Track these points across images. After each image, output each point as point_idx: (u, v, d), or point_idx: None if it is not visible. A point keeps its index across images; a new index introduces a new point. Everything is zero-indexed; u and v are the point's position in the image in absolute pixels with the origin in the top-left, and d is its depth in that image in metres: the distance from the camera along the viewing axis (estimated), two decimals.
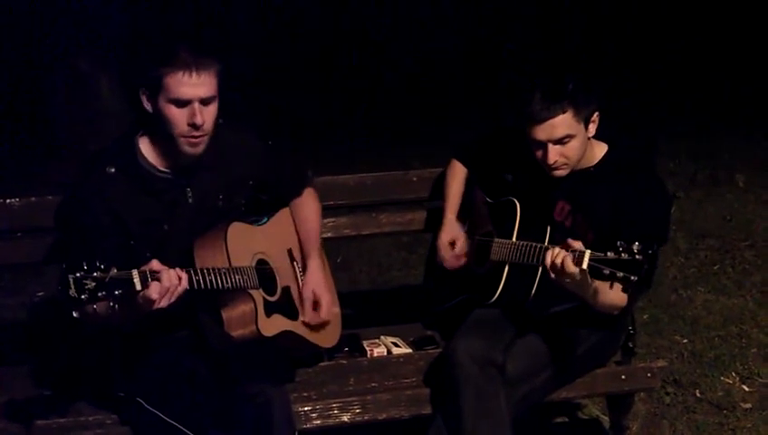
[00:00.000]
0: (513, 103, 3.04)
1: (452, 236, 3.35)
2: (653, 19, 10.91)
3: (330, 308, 3.17)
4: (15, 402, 3.04)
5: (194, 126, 2.70)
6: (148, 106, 2.73)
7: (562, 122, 2.92)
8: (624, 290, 2.61)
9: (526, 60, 9.04)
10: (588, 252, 2.65)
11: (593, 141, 3.05)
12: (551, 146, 2.95)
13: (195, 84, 2.67)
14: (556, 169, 3.00)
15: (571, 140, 2.95)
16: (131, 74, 2.68)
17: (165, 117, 2.70)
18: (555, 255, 2.71)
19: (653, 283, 2.75)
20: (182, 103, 2.68)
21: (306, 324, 3.10)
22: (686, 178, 6.82)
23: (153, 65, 2.69)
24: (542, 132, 2.94)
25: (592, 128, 3.00)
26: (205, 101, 2.70)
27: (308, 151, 5.19)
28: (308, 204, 3.25)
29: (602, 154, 3.08)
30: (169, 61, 2.68)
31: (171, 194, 2.83)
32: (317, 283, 3.16)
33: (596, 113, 2.99)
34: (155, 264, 2.55)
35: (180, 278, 2.59)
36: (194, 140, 2.73)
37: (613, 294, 2.76)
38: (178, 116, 2.69)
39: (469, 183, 3.44)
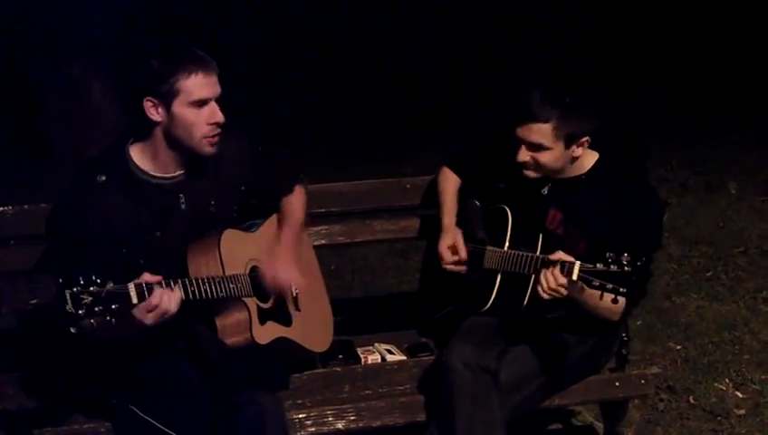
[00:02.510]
0: (511, 96, 3.06)
1: (452, 240, 3.33)
2: (644, 25, 10.94)
3: (296, 280, 3.05)
4: (9, 411, 3.03)
5: (217, 124, 2.73)
6: (156, 115, 2.71)
7: (539, 131, 2.94)
8: (613, 301, 2.62)
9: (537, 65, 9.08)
10: (578, 263, 2.66)
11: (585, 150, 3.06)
12: (523, 147, 2.98)
13: (212, 83, 2.71)
14: (525, 168, 3.03)
15: (544, 151, 2.97)
16: (135, 86, 2.65)
17: (184, 121, 2.71)
18: (548, 277, 2.73)
19: (647, 291, 2.77)
20: (202, 104, 2.70)
21: (299, 330, 3.09)
22: (678, 184, 6.83)
23: (166, 72, 2.67)
24: (520, 131, 2.98)
25: (578, 150, 3.00)
26: (218, 100, 2.74)
27: (300, 156, 5.19)
28: (295, 196, 3.23)
29: (593, 162, 3.09)
30: (184, 64, 2.68)
31: (164, 201, 2.83)
32: (281, 251, 3.07)
33: (586, 138, 2.99)
34: (149, 276, 2.55)
35: (175, 289, 2.59)
36: (214, 139, 2.75)
37: (609, 302, 2.76)
38: (199, 118, 2.71)
39: (461, 191, 3.44)
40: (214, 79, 2.72)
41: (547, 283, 2.73)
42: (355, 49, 10.49)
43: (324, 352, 3.26)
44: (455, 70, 10.30)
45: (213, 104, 2.73)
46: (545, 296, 2.77)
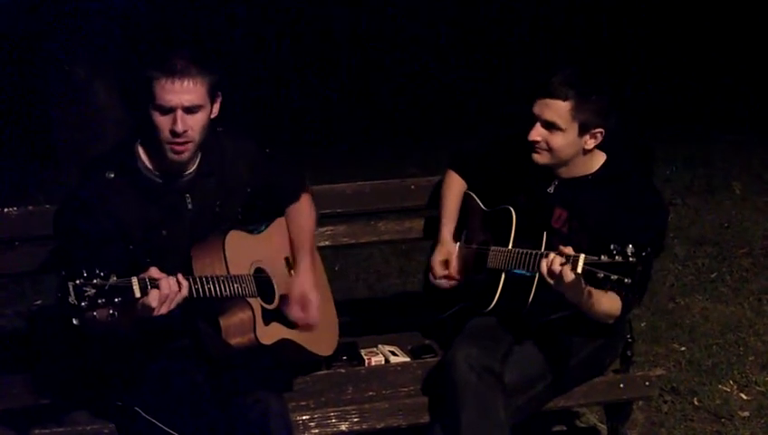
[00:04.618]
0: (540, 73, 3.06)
1: (445, 255, 3.35)
2: (646, 26, 10.92)
3: (316, 309, 3.10)
4: (13, 411, 3.04)
5: (173, 133, 2.70)
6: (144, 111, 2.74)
7: (556, 108, 2.94)
8: (618, 293, 2.62)
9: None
10: (582, 256, 2.65)
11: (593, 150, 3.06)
12: (538, 124, 2.98)
13: (178, 91, 2.67)
14: (534, 151, 3.02)
15: (557, 132, 2.96)
16: (127, 80, 2.68)
17: (152, 123, 2.71)
18: (551, 261, 2.72)
19: (645, 293, 2.76)
20: (165, 110, 2.69)
21: (303, 332, 3.09)
22: (683, 185, 6.83)
23: (144, 71, 2.70)
24: (537, 106, 2.98)
25: (590, 141, 3.00)
26: (188, 110, 2.70)
27: (304, 156, 5.20)
28: (303, 208, 3.24)
29: (600, 163, 3.09)
30: (157, 67, 2.68)
31: (171, 200, 2.85)
32: (305, 282, 3.11)
33: (600, 130, 2.98)
34: (153, 271, 2.56)
35: (179, 285, 2.60)
36: (177, 147, 2.73)
37: (608, 302, 2.76)
38: (162, 123, 2.70)
39: (465, 193, 3.44)
40: (185, 87, 2.68)
41: (549, 265, 2.72)
42: (357, 49, 10.50)
43: (329, 354, 3.26)
44: (457, 70, 10.30)
45: (178, 113, 2.69)
46: (549, 281, 2.75)
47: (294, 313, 3.06)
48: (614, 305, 2.82)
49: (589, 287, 2.76)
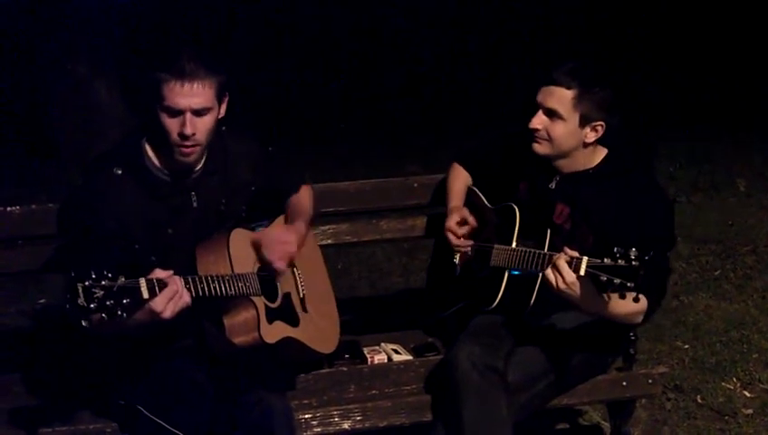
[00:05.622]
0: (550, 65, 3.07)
1: (461, 216, 3.30)
2: (649, 24, 10.92)
3: (286, 254, 3.00)
4: (16, 410, 3.03)
5: (182, 136, 2.69)
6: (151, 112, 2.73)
7: (559, 96, 2.95)
8: (621, 297, 2.60)
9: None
10: (585, 259, 2.64)
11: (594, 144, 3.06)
12: (540, 112, 2.99)
13: (187, 94, 2.66)
14: (534, 140, 3.02)
15: (558, 121, 2.96)
16: (134, 81, 2.65)
17: (160, 124, 2.70)
18: (554, 269, 2.70)
19: (666, 290, 2.73)
20: (174, 112, 2.68)
21: (306, 330, 3.09)
22: (687, 182, 6.82)
23: (152, 73, 2.68)
24: (540, 94, 2.99)
25: (591, 134, 2.99)
26: (197, 112, 2.69)
27: (304, 156, 5.21)
28: (303, 194, 3.24)
29: (602, 157, 3.08)
30: (166, 69, 2.67)
31: (176, 198, 2.84)
32: (284, 229, 3.06)
33: (600, 123, 2.98)
34: (159, 272, 2.55)
35: (186, 286, 2.59)
36: (185, 149, 2.72)
37: (626, 303, 2.72)
38: (171, 125, 2.69)
39: (470, 189, 3.44)
40: (195, 90, 2.66)
41: (556, 281, 2.71)
42: (357, 49, 10.50)
43: (330, 352, 3.26)
44: (457, 70, 10.30)
45: (187, 115, 2.68)
46: (559, 288, 2.73)
47: (267, 252, 2.96)
48: (632, 305, 2.73)
49: (607, 296, 2.73)
